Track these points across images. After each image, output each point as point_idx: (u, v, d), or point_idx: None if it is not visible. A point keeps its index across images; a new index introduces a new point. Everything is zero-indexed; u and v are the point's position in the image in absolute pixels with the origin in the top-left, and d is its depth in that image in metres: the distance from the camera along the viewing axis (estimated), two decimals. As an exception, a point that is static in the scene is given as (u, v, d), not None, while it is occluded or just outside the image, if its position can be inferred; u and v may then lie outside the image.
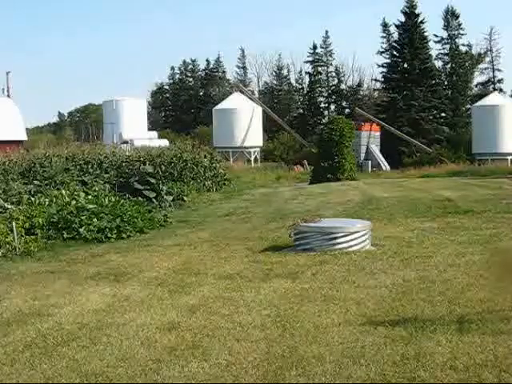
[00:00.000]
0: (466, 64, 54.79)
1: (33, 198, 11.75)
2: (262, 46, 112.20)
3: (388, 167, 41.13)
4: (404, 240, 8.15)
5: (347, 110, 56.67)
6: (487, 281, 5.64)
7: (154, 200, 14.19)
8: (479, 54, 56.60)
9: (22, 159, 16.93)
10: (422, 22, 50.91)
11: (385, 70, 53.29)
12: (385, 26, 55.09)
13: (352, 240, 7.53)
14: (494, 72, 57.05)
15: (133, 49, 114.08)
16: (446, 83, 54.78)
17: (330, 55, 61.32)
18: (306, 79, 63.28)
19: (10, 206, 10.83)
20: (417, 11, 50.97)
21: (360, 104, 54.15)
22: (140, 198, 13.24)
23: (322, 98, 62.05)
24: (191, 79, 70.79)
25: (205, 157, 21.40)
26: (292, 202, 14.97)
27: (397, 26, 52.06)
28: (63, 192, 12.26)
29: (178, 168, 19.37)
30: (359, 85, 62.26)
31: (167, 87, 72.22)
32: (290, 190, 20.06)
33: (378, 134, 44.45)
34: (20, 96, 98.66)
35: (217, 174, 21.00)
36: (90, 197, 11.97)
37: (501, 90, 53.74)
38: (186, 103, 66.91)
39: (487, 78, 57.72)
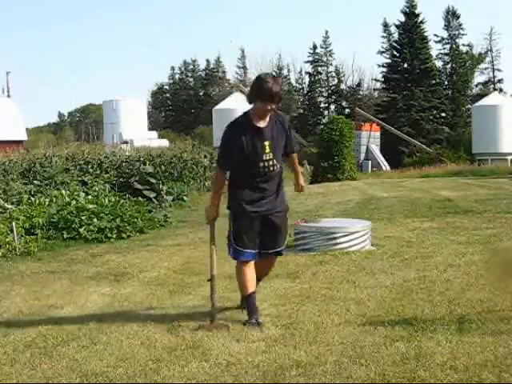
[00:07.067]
0: (467, 64, 54.87)
1: (33, 198, 11.75)
2: (262, 46, 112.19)
3: (388, 167, 41.16)
4: (404, 240, 8.14)
5: (347, 110, 56.72)
6: (487, 281, 5.63)
7: (154, 200, 14.19)
8: (479, 54, 56.68)
9: (22, 159, 16.95)
10: (422, 22, 51.03)
11: (385, 69, 53.41)
12: (385, 25, 55.18)
13: (352, 240, 7.52)
14: (494, 72, 57.17)
15: (133, 49, 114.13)
16: (446, 83, 54.89)
17: (330, 55, 61.42)
18: (306, 79, 63.39)
19: (10, 206, 10.82)
20: (417, 11, 51.09)
21: (360, 104, 54.16)
22: (140, 198, 13.23)
23: (322, 98, 62.17)
24: (191, 79, 70.87)
25: (205, 157, 21.41)
26: (292, 201, 14.91)
27: (397, 26, 52.20)
28: (63, 192, 12.26)
29: (178, 168, 19.39)
30: (359, 85, 62.32)
31: (167, 87, 72.31)
32: (289, 189, 20.02)
33: (378, 133, 44.48)
34: (20, 96, 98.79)
35: (217, 174, 21.01)
36: (89, 197, 11.97)
37: (501, 90, 53.82)
38: (186, 103, 67.01)
39: (487, 77, 57.84)
